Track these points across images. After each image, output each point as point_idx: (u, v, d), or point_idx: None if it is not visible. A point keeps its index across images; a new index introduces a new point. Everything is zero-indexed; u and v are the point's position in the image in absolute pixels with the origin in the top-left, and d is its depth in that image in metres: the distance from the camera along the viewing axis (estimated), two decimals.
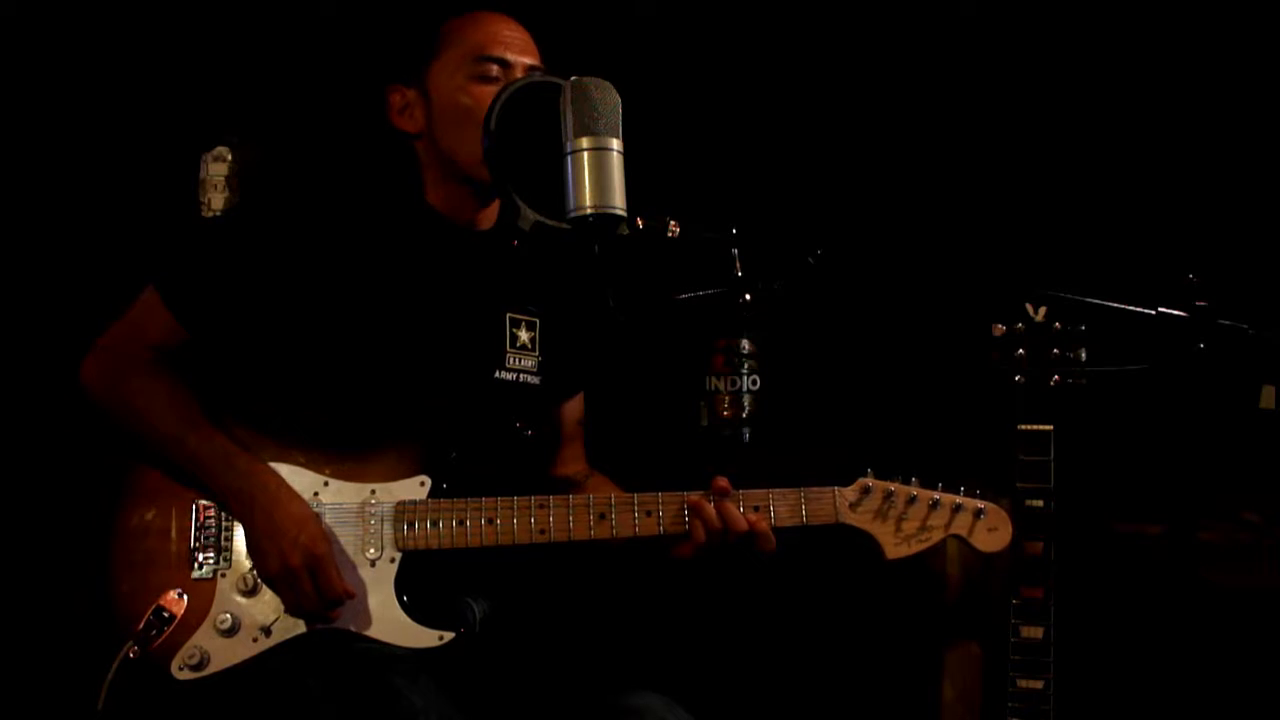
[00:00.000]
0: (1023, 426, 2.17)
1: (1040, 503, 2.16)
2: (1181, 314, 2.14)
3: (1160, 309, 2.14)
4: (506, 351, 2.17)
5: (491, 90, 2.01)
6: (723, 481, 2.00)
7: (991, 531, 2.05)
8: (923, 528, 2.04)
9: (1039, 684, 2.15)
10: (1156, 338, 2.16)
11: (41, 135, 2.84)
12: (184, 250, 2.09)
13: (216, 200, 2.72)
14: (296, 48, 2.88)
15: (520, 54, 2.10)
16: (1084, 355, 2.17)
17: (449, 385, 2.10)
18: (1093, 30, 2.93)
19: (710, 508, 1.98)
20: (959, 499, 2.04)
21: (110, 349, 2.05)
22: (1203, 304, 2.14)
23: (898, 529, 2.04)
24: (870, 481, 2.04)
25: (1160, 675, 2.57)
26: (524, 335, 2.19)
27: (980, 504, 2.05)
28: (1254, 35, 2.86)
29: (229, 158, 2.73)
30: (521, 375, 2.18)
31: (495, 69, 2.08)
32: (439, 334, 2.10)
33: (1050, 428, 2.16)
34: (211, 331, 2.04)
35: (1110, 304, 2.16)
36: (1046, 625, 2.16)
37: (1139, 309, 2.15)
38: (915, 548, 2.05)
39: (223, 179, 2.73)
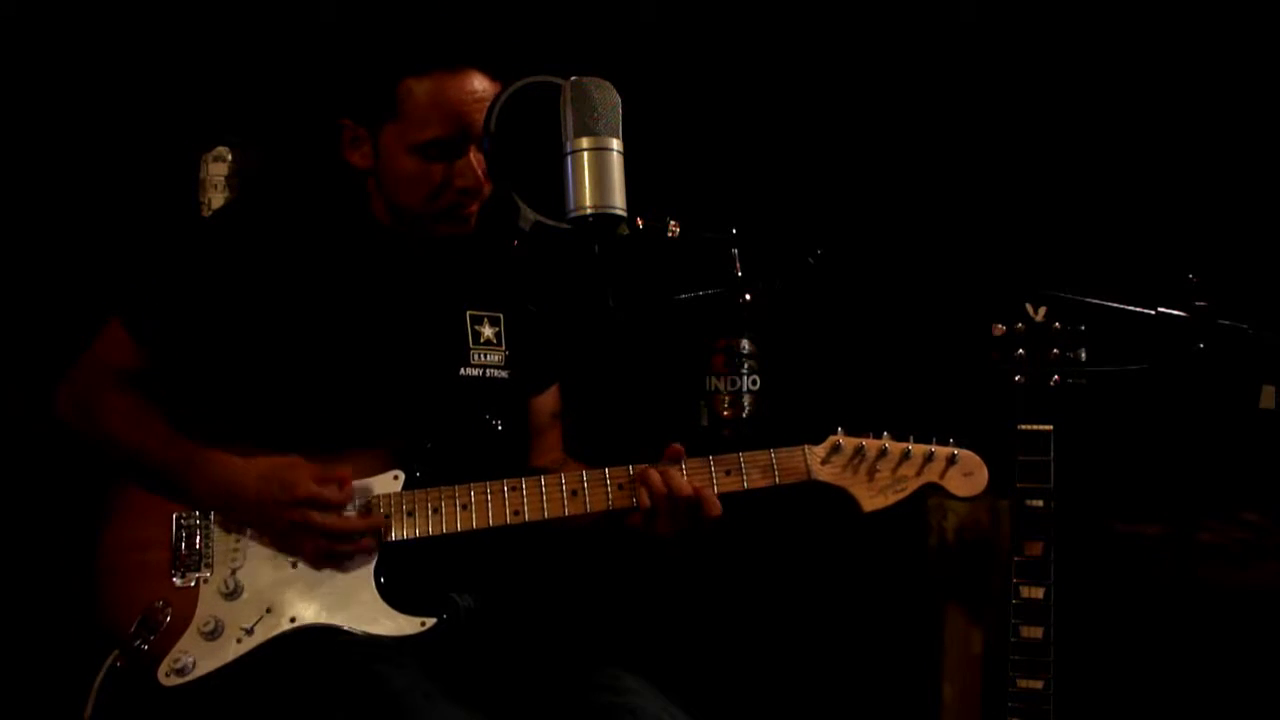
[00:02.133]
0: (1023, 426, 2.17)
1: (1040, 503, 2.16)
2: (1181, 314, 2.14)
3: (1160, 309, 2.14)
4: (470, 348, 2.20)
5: (441, 168, 2.06)
6: (677, 448, 2.03)
7: (967, 476, 2.06)
8: (896, 478, 2.05)
9: (1039, 684, 2.15)
10: (1156, 338, 2.15)
11: (41, 136, 2.84)
12: (145, 279, 2.12)
13: (216, 200, 2.72)
14: (296, 48, 2.88)
15: (476, 122, 2.05)
16: (1084, 355, 2.17)
17: (414, 385, 2.14)
18: (1093, 31, 2.93)
19: (655, 474, 2.00)
20: (930, 448, 2.06)
21: (80, 378, 2.11)
22: (1203, 304, 2.14)
23: (871, 481, 2.05)
24: (841, 438, 2.05)
25: (1160, 675, 2.57)
26: (488, 331, 2.22)
27: (953, 450, 2.06)
28: (1254, 35, 2.86)
29: (229, 158, 2.73)
30: (488, 370, 2.21)
31: (445, 149, 2.06)
32: (398, 336, 2.14)
33: (1050, 428, 2.16)
34: (177, 355, 2.09)
35: (1110, 304, 2.16)
36: (1046, 625, 2.16)
37: (1139, 309, 2.15)
38: (891, 498, 2.05)
39: (223, 179, 2.73)
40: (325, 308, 2.10)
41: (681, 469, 2.02)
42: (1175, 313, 2.14)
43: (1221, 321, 2.14)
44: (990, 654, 2.49)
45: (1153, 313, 2.14)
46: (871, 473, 2.05)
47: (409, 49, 2.08)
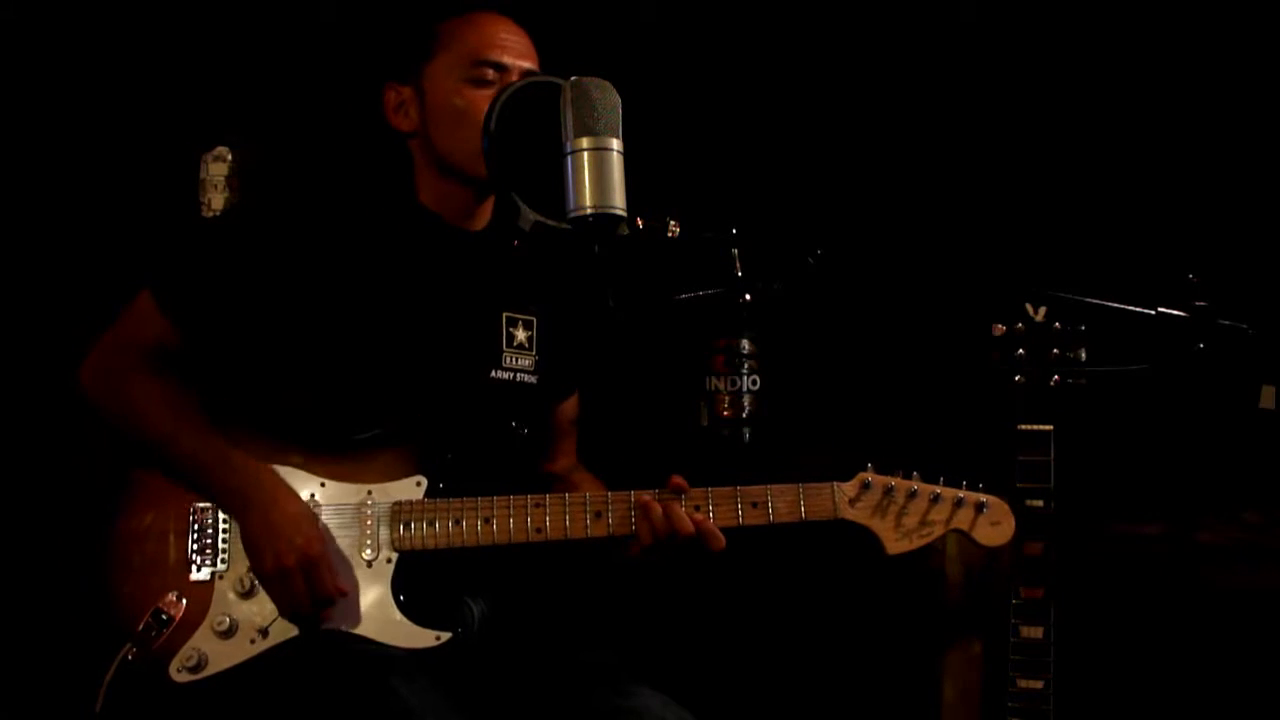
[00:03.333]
0: (1023, 426, 2.17)
1: (1040, 503, 2.16)
2: (1181, 314, 2.14)
3: (1160, 309, 2.14)
4: (503, 351, 2.17)
5: (486, 94, 2.04)
6: (678, 480, 2.00)
7: (994, 525, 2.03)
8: (923, 523, 2.02)
9: (1039, 684, 2.15)
10: (1156, 338, 2.15)
11: (42, 136, 2.85)
12: (178, 253, 2.09)
13: (216, 200, 2.72)
14: (296, 48, 2.88)
15: (517, 58, 2.10)
16: (1084, 355, 2.17)
17: (444, 385, 2.10)
18: (1093, 31, 2.93)
19: (657, 508, 1.97)
20: (960, 493, 2.02)
21: (108, 353, 2.06)
22: (1203, 304, 2.14)
23: (898, 524, 2.01)
24: (870, 476, 2.02)
25: (1160, 675, 2.57)
26: (521, 334, 2.20)
27: (982, 497, 2.03)
28: (1254, 35, 2.86)
29: (229, 158, 2.73)
30: (518, 374, 2.19)
31: (491, 73, 2.08)
32: (434, 334, 2.11)
33: (1050, 428, 2.16)
34: (206, 334, 2.05)
35: (1110, 304, 2.16)
36: (1046, 625, 2.16)
37: (1139, 309, 2.15)
38: (916, 543, 2.02)
39: (223, 179, 2.73)
40: (361, 297, 2.07)
41: (682, 501, 1.99)
42: (1175, 313, 2.14)
43: (1221, 321, 2.14)
44: (990, 654, 2.49)
45: (1153, 313, 2.15)
46: (899, 516, 2.01)
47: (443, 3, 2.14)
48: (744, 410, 2.22)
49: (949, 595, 2.57)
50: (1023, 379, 2.18)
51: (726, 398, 2.21)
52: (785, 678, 2.95)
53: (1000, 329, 2.20)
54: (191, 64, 2.86)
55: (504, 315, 2.19)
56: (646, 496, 1.99)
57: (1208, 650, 2.54)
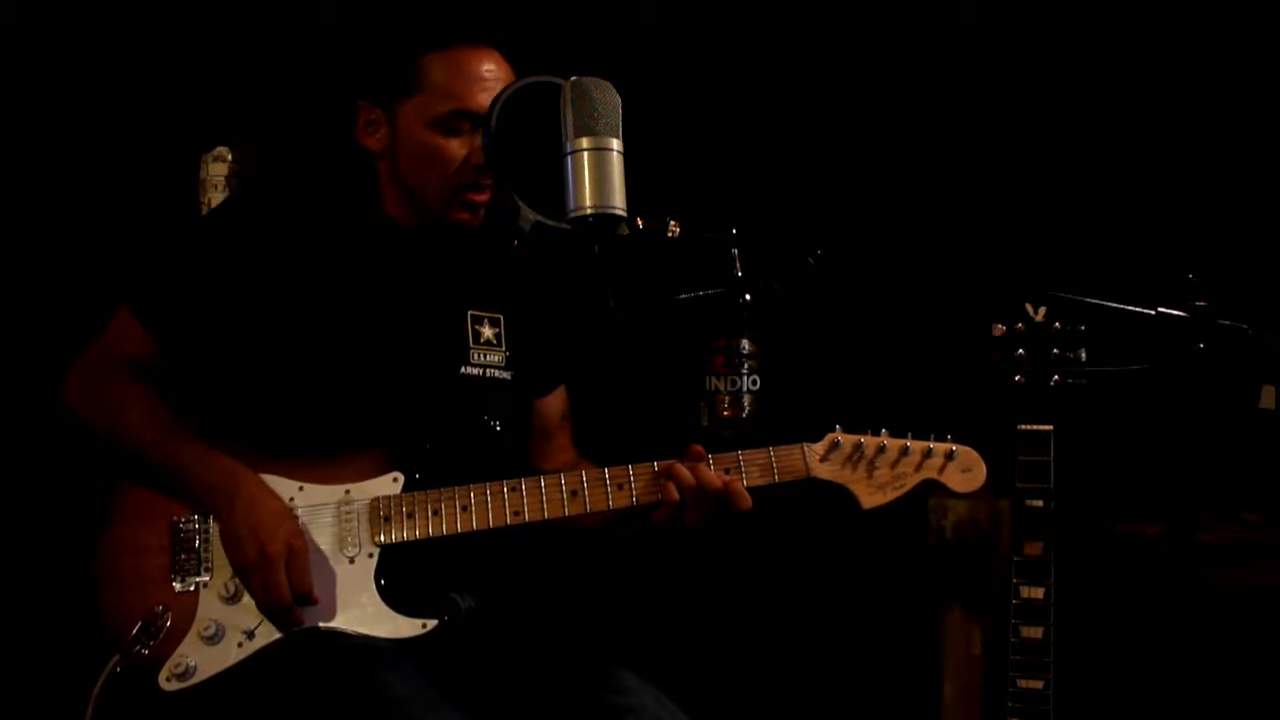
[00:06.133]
0: (1023, 426, 2.17)
1: (1040, 503, 2.16)
2: (1181, 314, 2.14)
3: (1160, 309, 2.14)
4: (470, 348, 2.20)
5: (460, 143, 2.10)
6: (698, 448, 2.03)
7: (965, 472, 2.06)
8: (894, 475, 2.05)
9: (1039, 684, 2.15)
10: (1156, 338, 2.16)
11: (41, 136, 2.85)
12: (154, 268, 2.12)
13: (217, 200, 2.72)
14: (296, 49, 2.88)
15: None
16: (1084, 355, 2.17)
17: (413, 384, 2.13)
18: (1093, 31, 2.93)
19: (683, 467, 2.00)
20: (929, 444, 2.06)
21: (89, 364, 2.09)
22: (1203, 304, 2.14)
23: (870, 478, 2.05)
24: (839, 436, 2.06)
25: (1160, 675, 2.57)
26: (488, 331, 2.22)
27: (951, 446, 2.06)
28: (1254, 35, 2.86)
29: (229, 158, 2.73)
30: (488, 370, 2.21)
31: (467, 125, 2.10)
32: (399, 334, 2.13)
33: (1050, 428, 2.16)
34: (183, 346, 2.08)
35: (1110, 304, 2.16)
36: (1046, 625, 2.16)
37: (1139, 309, 2.15)
38: (890, 495, 2.05)
39: (223, 179, 2.73)
40: (328, 304, 2.10)
41: (709, 463, 2.02)
42: (1175, 313, 2.14)
43: (1221, 321, 2.14)
44: (990, 654, 2.49)
45: (1153, 313, 2.15)
46: (870, 469, 2.05)
47: (430, 24, 2.13)
48: (744, 410, 2.21)
49: (949, 596, 2.57)
50: (1023, 379, 2.18)
51: (726, 398, 2.21)
52: (784, 677, 2.95)
53: (1000, 329, 2.21)
54: (191, 64, 2.87)
55: (469, 313, 2.21)
56: (668, 462, 2.01)
57: (1208, 650, 2.54)
